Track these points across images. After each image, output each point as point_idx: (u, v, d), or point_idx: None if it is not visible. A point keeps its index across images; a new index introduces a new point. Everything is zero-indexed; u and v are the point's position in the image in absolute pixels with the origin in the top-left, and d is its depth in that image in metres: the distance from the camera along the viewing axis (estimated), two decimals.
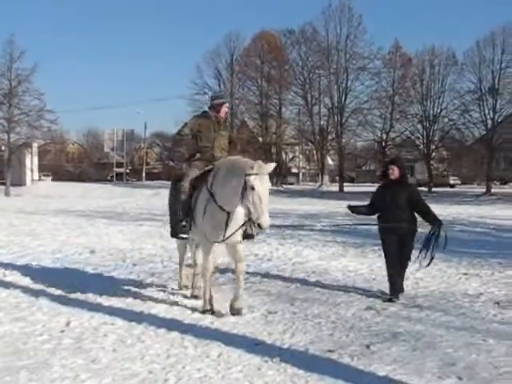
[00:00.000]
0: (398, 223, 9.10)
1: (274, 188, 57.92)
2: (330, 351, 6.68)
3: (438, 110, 60.08)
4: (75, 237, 17.33)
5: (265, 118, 65.11)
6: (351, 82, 61.85)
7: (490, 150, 55.74)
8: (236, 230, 8.16)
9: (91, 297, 9.06)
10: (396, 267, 9.23)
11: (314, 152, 66.81)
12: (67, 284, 10.08)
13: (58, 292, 9.36)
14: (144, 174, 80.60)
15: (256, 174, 7.49)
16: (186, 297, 9.26)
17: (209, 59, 66.36)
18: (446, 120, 60.66)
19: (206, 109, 9.26)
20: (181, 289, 9.68)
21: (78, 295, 9.16)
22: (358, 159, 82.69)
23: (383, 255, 9.49)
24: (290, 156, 76.50)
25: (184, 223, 8.47)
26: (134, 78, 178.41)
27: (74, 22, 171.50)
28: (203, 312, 8.24)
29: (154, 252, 14.18)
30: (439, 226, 9.17)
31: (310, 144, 67.01)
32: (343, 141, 62.12)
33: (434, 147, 60.82)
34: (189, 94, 66.18)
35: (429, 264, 9.26)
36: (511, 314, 8.42)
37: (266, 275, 11.07)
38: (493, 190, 54.14)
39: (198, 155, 8.87)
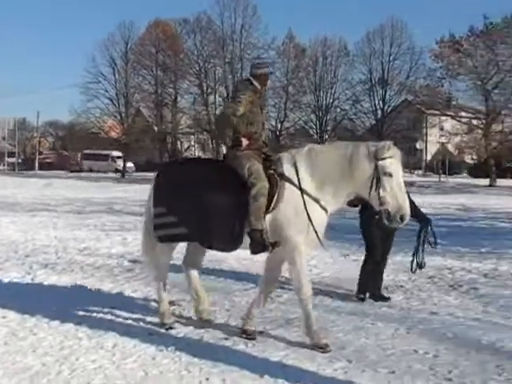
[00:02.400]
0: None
1: None
2: (224, 339, 6.79)
3: (331, 100, 61.36)
4: None
5: (160, 107, 64.55)
6: (246, 72, 62.19)
7: (380, 139, 57.16)
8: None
9: None
10: (381, 264, 8.88)
11: (210, 141, 66.80)
12: None
13: None
14: (37, 164, 78.30)
15: (391, 158, 6.40)
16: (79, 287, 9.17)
17: (103, 48, 65.12)
18: (339, 110, 62.13)
19: (250, 78, 7.26)
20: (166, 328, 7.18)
21: None
22: None
23: (366, 251, 9.01)
24: (186, 145, 76.19)
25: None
26: (26, 66, 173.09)
27: None
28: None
29: (48, 243, 13.90)
30: (427, 223, 8.51)
31: (205, 133, 66.93)
32: None
33: (327, 136, 61.90)
34: (82, 83, 64.67)
35: (422, 266, 8.60)
36: (398, 298, 8.82)
37: None
38: None
39: (245, 143, 6.96)
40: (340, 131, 61.75)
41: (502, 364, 6.00)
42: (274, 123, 61.99)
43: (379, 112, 58.80)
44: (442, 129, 62.50)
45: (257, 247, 6.62)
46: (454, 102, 55.98)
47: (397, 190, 6.32)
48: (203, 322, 7.27)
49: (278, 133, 61.94)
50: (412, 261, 8.59)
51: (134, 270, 10.77)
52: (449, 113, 55.44)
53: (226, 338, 6.80)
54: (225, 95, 61.56)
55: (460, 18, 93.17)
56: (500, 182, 48.35)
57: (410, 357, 6.25)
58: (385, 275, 9.64)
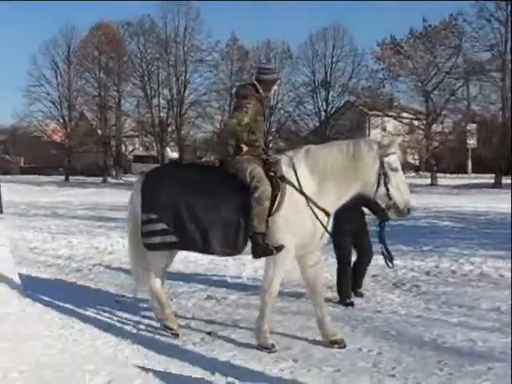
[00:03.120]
0: (353, 223, 8.59)
1: (114, 181, 57.32)
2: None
3: (275, 102, 61.51)
4: None
5: (104, 110, 63.94)
6: (190, 75, 61.93)
7: (324, 140, 57.43)
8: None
9: None
10: (349, 272, 8.82)
11: (154, 144, 66.41)
12: None
13: None
14: None
15: (394, 154, 6.56)
16: None
17: (45, 50, 64.42)
18: (282, 112, 62.36)
19: (255, 82, 7.11)
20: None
21: None
22: (198, 151, 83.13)
23: (337, 258, 8.98)
24: (130, 148, 75.64)
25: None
26: None
27: None
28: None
29: None
30: (385, 219, 8.46)
31: (149, 136, 66.52)
32: (183, 132, 62.28)
33: (271, 138, 62.12)
34: (25, 86, 63.83)
35: (391, 260, 8.79)
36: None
37: (109, 267, 11.07)
38: None
39: (245, 149, 6.89)
40: (284, 133, 61.97)
41: (443, 359, 6.15)
42: (218, 125, 61.98)
43: (323, 113, 59.26)
44: (384, 129, 63.26)
45: (259, 251, 6.58)
46: (395, 103, 56.72)
47: (401, 184, 6.52)
48: (170, 330, 7.01)
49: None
50: (385, 259, 8.78)
51: (82, 270, 10.99)
52: (391, 114, 56.20)
53: (174, 339, 6.83)
54: (169, 98, 61.39)
55: (401, 21, 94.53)
56: (441, 181, 49.26)
57: (354, 355, 6.36)
58: (329, 275, 9.68)
